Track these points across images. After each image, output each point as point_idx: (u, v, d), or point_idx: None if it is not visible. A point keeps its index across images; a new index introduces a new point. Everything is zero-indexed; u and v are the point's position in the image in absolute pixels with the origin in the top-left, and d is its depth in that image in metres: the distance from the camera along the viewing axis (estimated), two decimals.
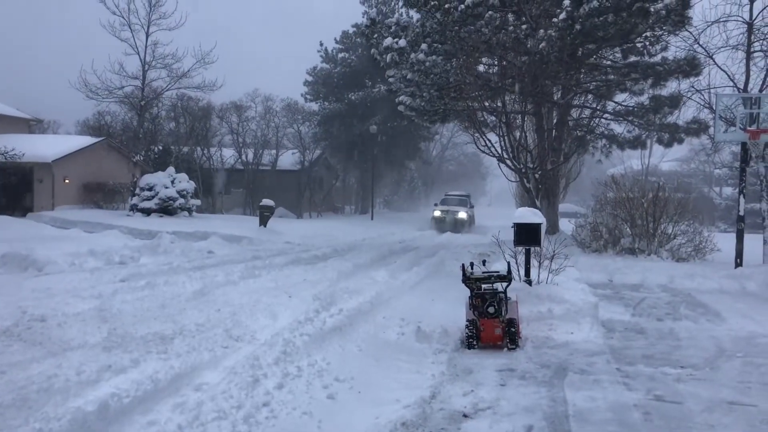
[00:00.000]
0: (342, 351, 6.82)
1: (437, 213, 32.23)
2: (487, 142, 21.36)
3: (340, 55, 43.89)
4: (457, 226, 31.00)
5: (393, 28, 21.63)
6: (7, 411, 4.68)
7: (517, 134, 21.06)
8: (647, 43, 19.88)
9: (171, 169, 28.47)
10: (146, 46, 28.77)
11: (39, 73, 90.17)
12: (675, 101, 19.64)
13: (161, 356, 6.21)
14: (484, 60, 21.33)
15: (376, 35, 22.22)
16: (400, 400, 5.41)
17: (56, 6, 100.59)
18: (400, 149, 42.89)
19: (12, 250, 11.98)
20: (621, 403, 5.41)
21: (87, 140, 33.60)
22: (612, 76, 20.55)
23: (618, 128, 22.54)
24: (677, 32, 18.49)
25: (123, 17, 28.18)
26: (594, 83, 21.02)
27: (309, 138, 45.01)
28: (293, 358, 6.25)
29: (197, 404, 4.94)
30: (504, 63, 20.02)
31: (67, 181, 30.27)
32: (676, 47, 19.29)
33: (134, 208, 27.03)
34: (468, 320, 7.36)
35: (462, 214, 31.91)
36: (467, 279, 7.48)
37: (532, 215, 9.32)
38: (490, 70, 21.68)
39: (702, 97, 18.12)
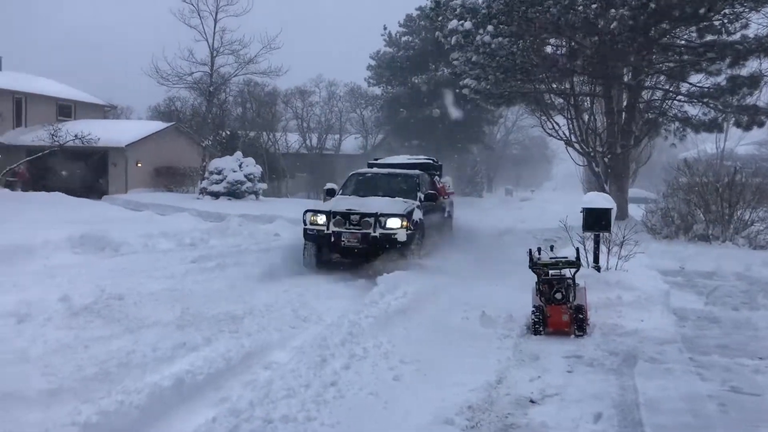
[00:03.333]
0: (406, 333, 6.87)
1: (319, 220, 11.06)
2: (555, 125, 20.94)
3: (404, 39, 43.75)
4: (385, 254, 10.94)
5: (458, 10, 21.35)
6: (92, 383, 4.93)
7: (586, 117, 20.55)
8: (726, 21, 18.96)
9: (238, 154, 29.12)
10: (214, 33, 29.36)
11: (113, 61, 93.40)
12: (755, 81, 18.69)
13: (232, 335, 6.41)
14: (552, 41, 20.83)
15: (440, 18, 21.99)
16: (465, 383, 5.39)
17: None
18: (463, 133, 42.50)
19: (90, 231, 12.49)
20: (694, 394, 5.25)
21: (158, 125, 34.73)
22: (686, 56, 19.73)
23: (692, 110, 21.67)
24: (759, 8, 17.59)
25: (192, 4, 28.82)
26: (667, 64, 20.23)
27: (371, 122, 45.15)
28: (359, 339, 6.34)
29: (267, 382, 5.08)
30: (573, 44, 19.51)
31: (139, 165, 31.39)
32: (757, 24, 18.35)
33: (203, 191, 27.81)
34: (534, 306, 7.28)
35: (394, 223, 10.82)
36: (534, 264, 7.38)
37: (602, 200, 9.10)
38: (558, 52, 21.17)
39: None
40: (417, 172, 13.32)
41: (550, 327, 7.14)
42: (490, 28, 19.97)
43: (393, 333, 6.75)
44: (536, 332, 7.10)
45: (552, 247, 8.13)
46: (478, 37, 20.22)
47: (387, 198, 11.74)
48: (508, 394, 5.24)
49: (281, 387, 4.95)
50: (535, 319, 7.15)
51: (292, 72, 32.43)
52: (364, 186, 12.80)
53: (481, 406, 4.91)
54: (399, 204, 11.35)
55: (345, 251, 11.21)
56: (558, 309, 7.13)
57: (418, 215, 11.32)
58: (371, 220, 10.72)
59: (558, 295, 7.15)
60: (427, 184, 13.12)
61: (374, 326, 6.85)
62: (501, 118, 52.43)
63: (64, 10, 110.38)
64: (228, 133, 37.48)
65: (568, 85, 19.72)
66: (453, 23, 21.00)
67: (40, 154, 25.19)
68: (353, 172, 13.69)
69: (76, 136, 24.68)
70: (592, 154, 20.25)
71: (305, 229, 11.06)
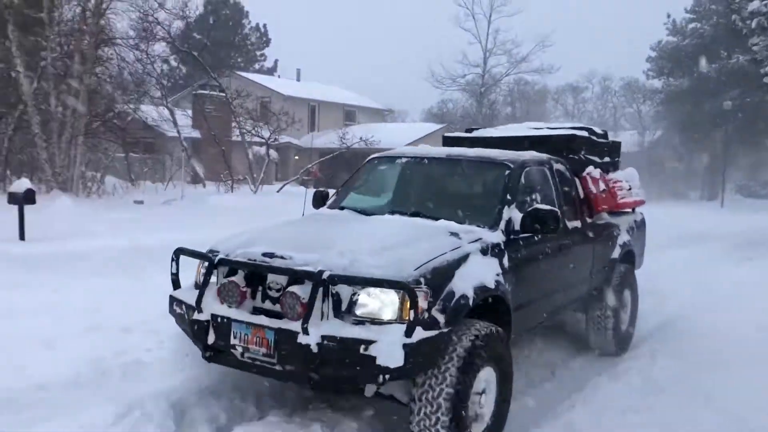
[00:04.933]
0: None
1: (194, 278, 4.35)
2: None
3: (690, 26, 40.21)
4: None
5: None
6: None
7: None
8: None
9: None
10: (488, 34, 30.07)
11: (388, 66, 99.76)
12: None
13: None
14: None
15: None
16: (747, 419, 4.72)
17: (406, 4, 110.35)
18: (761, 127, 37.64)
19: None
20: None
21: (430, 127, 36.55)
22: None
23: None
24: None
25: (467, 8, 29.78)
26: None
27: (650, 117, 42.26)
28: None
29: None
30: None
31: None
32: None
33: None
34: None
35: (373, 305, 3.53)
36: None
37: None
38: None
39: None
40: (521, 156, 5.20)
41: None
42: None
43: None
44: None
45: None
46: None
47: (410, 222, 4.62)
48: None
49: None
50: None
51: (563, 68, 31.74)
52: (389, 189, 5.73)
53: None
54: (417, 243, 4.05)
55: (247, 368, 3.87)
56: None
57: (474, 279, 3.95)
58: (303, 293, 3.58)
59: None
60: (537, 188, 5.16)
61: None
62: None
63: (344, 17, 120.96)
64: None
65: None
66: (754, 4, 18.76)
67: (330, 156, 27.98)
68: (371, 157, 5.88)
69: (360, 138, 26.99)
70: None
71: (171, 298, 4.34)
